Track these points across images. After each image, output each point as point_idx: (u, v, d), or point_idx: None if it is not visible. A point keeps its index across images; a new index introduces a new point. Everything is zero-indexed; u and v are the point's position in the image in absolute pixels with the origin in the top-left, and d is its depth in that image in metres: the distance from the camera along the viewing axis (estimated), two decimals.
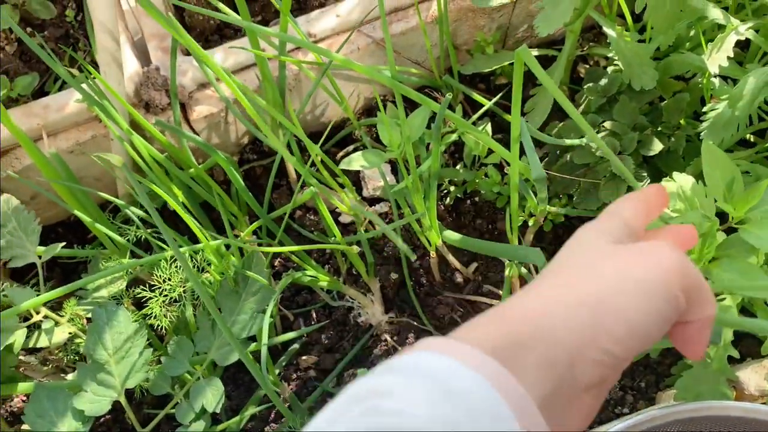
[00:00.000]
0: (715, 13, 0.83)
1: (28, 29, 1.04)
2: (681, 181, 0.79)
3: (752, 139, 0.95)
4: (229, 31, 1.07)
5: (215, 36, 1.06)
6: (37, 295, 0.77)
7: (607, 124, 0.90)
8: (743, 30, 0.82)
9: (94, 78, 0.83)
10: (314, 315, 0.99)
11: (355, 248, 0.85)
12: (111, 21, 0.78)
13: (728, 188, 0.69)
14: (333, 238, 0.95)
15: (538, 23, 0.77)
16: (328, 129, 0.97)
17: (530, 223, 0.93)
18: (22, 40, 1.04)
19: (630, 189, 0.88)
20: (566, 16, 0.75)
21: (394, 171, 1.07)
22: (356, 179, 1.07)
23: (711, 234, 0.71)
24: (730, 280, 0.65)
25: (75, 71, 0.87)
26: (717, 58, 0.80)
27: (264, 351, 0.74)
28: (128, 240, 0.86)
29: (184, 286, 0.78)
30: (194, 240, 0.95)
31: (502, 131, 1.06)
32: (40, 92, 1.02)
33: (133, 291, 0.84)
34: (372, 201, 1.06)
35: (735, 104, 0.76)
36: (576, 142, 0.89)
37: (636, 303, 0.37)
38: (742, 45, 0.92)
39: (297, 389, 0.93)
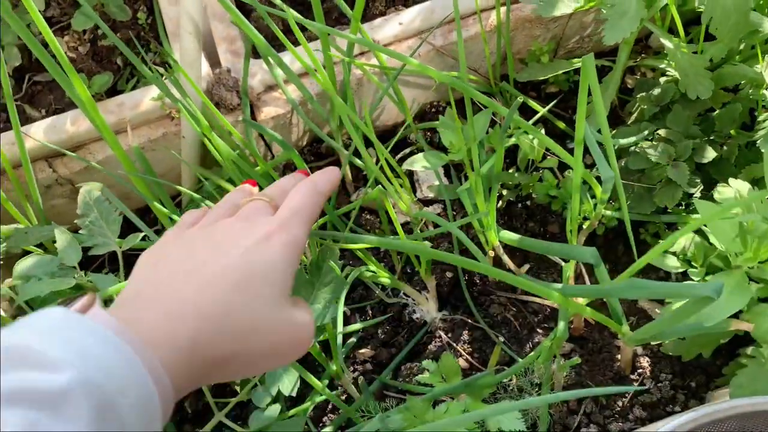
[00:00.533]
0: None
1: (99, 32, 1.09)
2: (737, 186, 0.83)
3: None
4: (291, 37, 1.11)
5: (277, 42, 1.10)
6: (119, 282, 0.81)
7: (662, 132, 0.93)
8: None
9: (174, 75, 0.87)
10: (370, 311, 1.02)
11: (428, 243, 0.88)
12: (196, 24, 0.82)
13: None
14: (393, 237, 0.99)
15: (605, 32, 0.80)
16: (398, 133, 1.00)
17: (584, 226, 0.96)
18: (94, 41, 1.09)
19: (685, 195, 0.91)
20: (633, 26, 0.79)
21: (447, 174, 1.10)
22: (409, 182, 1.11)
23: (767, 236, 0.74)
24: None
25: (158, 69, 0.91)
26: None
27: (339, 338, 0.77)
28: None
29: None
30: None
31: (553, 137, 1.09)
32: (110, 91, 1.06)
33: None
34: (425, 202, 1.09)
35: None
36: (631, 140, 0.92)
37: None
38: None
39: (354, 380, 0.96)
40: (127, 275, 0.88)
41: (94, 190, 0.87)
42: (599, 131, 0.97)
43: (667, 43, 0.90)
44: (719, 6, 0.76)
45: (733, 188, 0.83)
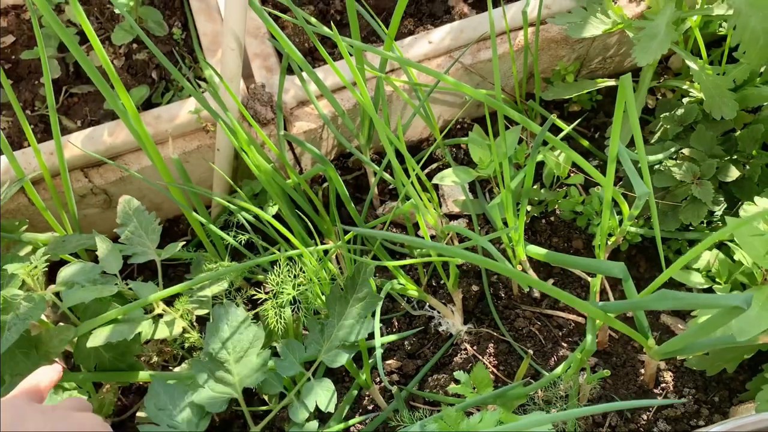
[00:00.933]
0: None
1: (134, 46, 1.12)
2: (763, 204, 0.85)
3: None
4: (320, 53, 1.14)
5: (308, 58, 1.12)
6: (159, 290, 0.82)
7: (686, 151, 0.95)
8: None
9: (213, 88, 0.89)
10: (396, 323, 1.04)
11: (459, 260, 0.90)
12: (239, 40, 0.85)
13: None
14: (419, 251, 1.01)
15: (636, 53, 0.83)
16: (425, 148, 1.02)
17: (609, 242, 0.98)
18: (129, 55, 1.12)
19: (709, 212, 0.93)
20: (664, 48, 0.81)
21: (471, 189, 1.12)
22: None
23: None
24: None
25: (196, 83, 0.94)
26: None
27: (378, 353, 0.79)
28: (239, 242, 0.92)
29: (298, 289, 0.83)
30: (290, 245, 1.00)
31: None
32: (145, 104, 1.08)
33: (246, 292, 0.89)
34: (451, 217, 1.12)
35: None
36: (659, 157, 0.94)
37: None
38: None
39: (381, 392, 0.98)
40: (165, 284, 0.90)
41: (133, 199, 0.89)
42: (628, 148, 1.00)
43: (693, 64, 0.92)
44: (748, 30, 0.79)
45: (760, 206, 0.85)
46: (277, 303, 0.83)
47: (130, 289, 0.83)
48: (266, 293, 0.85)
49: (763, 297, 0.73)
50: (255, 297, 0.88)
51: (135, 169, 1.02)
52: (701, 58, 1.01)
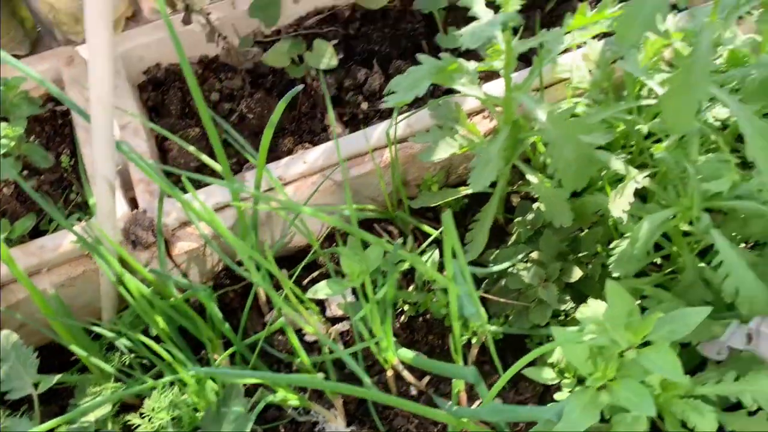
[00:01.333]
0: (617, 165, 1.01)
1: (25, 172, 1.17)
2: (595, 307, 0.95)
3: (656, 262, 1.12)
4: (208, 170, 1.21)
5: (196, 174, 1.19)
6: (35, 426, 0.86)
7: (534, 255, 1.06)
8: (641, 179, 0.99)
9: (89, 221, 0.95)
10: (282, 430, 1.09)
11: (321, 375, 0.96)
12: (111, 183, 0.91)
13: (628, 318, 0.84)
14: (299, 361, 1.07)
15: (470, 181, 0.93)
16: (306, 259, 1.09)
17: (474, 340, 1.06)
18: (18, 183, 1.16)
19: (555, 313, 1.03)
20: (493, 176, 0.91)
21: (354, 291, 1.20)
22: (319, 299, 1.19)
23: (612, 357, 0.84)
24: (626, 398, 0.78)
25: (79, 210, 0.99)
26: (619, 203, 0.97)
27: None
28: (115, 366, 0.96)
29: (174, 412, 0.87)
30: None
31: None
32: (35, 229, 1.13)
33: (123, 417, 0.93)
34: (335, 320, 1.18)
35: (634, 244, 0.93)
36: (505, 266, 1.03)
37: None
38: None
39: None
40: (42, 418, 0.93)
41: (12, 334, 0.93)
42: (476, 262, 1.09)
43: (532, 178, 1.03)
44: (563, 159, 0.90)
45: (592, 308, 0.94)
46: (152, 428, 0.87)
47: (6, 426, 0.86)
48: (141, 417, 0.90)
49: (585, 399, 0.82)
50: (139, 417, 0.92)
51: (21, 297, 1.05)
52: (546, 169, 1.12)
